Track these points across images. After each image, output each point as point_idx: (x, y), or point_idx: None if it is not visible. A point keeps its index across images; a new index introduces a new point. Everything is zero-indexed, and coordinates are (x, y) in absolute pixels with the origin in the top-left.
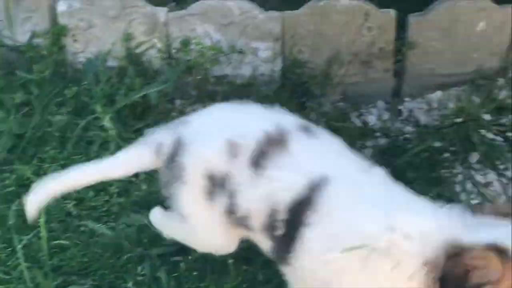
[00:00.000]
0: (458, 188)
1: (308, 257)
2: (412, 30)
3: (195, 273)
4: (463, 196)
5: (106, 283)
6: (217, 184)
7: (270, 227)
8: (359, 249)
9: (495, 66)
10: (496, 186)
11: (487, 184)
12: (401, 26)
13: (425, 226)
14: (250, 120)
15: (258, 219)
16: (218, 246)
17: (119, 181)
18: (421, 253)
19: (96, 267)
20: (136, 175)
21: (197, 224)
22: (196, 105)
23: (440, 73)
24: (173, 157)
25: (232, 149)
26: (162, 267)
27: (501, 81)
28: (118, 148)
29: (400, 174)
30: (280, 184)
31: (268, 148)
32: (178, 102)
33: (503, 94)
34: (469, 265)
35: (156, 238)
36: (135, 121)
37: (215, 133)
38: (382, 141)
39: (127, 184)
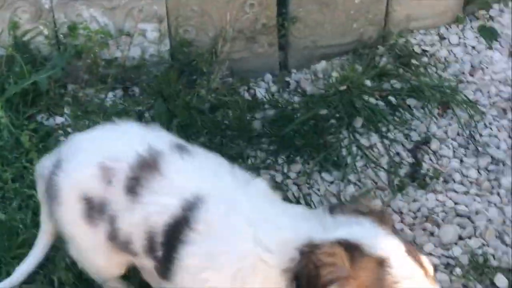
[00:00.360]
0: (344, 152)
1: (186, 275)
2: (293, 6)
3: None
4: (348, 160)
5: (2, 265)
6: (95, 208)
7: (150, 249)
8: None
9: (374, 35)
10: (380, 147)
11: (371, 147)
12: (282, 1)
13: (283, 235)
14: (124, 142)
15: (138, 243)
16: (103, 269)
17: (13, 167)
18: (280, 262)
19: None
20: (31, 160)
21: (81, 246)
22: (88, 89)
23: (323, 44)
24: (51, 177)
25: (106, 173)
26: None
27: (381, 49)
28: (11, 135)
29: (288, 142)
30: (154, 208)
31: (141, 173)
32: (70, 87)
33: (383, 61)
34: (319, 261)
35: None
36: (27, 108)
37: (89, 156)
38: (271, 112)
39: (21, 170)
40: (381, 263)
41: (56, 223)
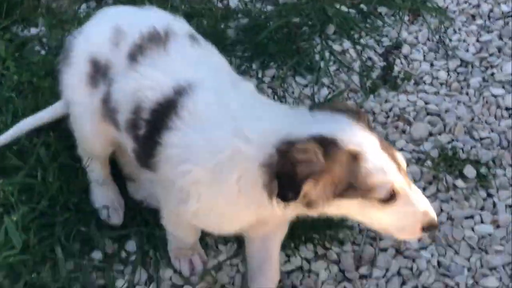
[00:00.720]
0: (317, 57)
1: (167, 165)
2: None
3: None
4: (322, 64)
5: None
6: (100, 71)
7: (133, 125)
8: (208, 160)
9: None
10: (352, 53)
11: (344, 52)
12: None
13: (263, 127)
14: (144, 15)
15: (124, 115)
16: (90, 139)
17: None
18: (259, 155)
19: None
20: (7, 68)
21: (75, 111)
22: (62, 0)
23: None
24: (69, 40)
25: (117, 35)
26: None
27: None
28: None
29: (262, 49)
30: (148, 82)
31: (148, 44)
32: None
33: None
34: (294, 159)
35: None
36: (1, 20)
37: (107, 20)
38: (244, 21)
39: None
40: (355, 157)
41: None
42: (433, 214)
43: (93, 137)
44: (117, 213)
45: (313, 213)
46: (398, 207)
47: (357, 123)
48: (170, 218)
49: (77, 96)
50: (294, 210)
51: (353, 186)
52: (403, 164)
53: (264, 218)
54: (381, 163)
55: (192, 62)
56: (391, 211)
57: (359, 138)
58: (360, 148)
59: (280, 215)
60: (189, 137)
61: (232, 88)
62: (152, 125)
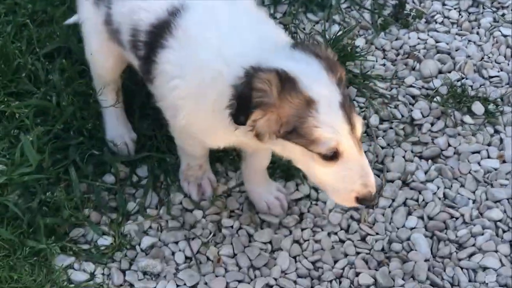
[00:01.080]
0: None
1: (160, 80)
2: None
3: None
4: (333, 1)
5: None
6: None
7: (134, 46)
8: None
9: None
10: None
11: None
12: None
13: (241, 51)
14: None
15: (125, 36)
16: (100, 59)
17: (5, 3)
18: (231, 78)
19: None
20: None
21: (85, 28)
22: None
23: None
24: None
25: None
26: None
27: None
28: None
29: None
30: (143, 4)
31: None
32: None
33: None
34: (253, 85)
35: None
36: None
37: None
38: None
39: (13, 6)
40: (309, 103)
41: None
42: (371, 189)
43: (102, 56)
44: (127, 147)
45: (262, 147)
46: (338, 168)
47: (329, 73)
48: (175, 131)
49: (85, 13)
50: (245, 136)
51: (298, 132)
52: (359, 129)
53: (242, 140)
54: (332, 120)
55: None
56: (330, 171)
57: (321, 88)
58: (316, 97)
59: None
60: (180, 54)
61: (226, 5)
62: (149, 46)
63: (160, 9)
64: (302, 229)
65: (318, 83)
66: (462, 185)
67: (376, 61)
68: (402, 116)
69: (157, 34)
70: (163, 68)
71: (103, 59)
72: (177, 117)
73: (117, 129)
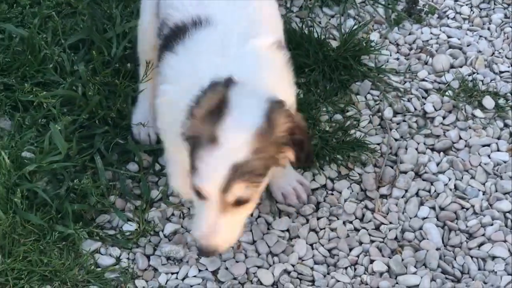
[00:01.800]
0: None
1: (159, 80)
2: None
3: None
4: None
5: (27, 78)
6: None
7: (158, 34)
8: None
9: None
10: None
11: None
12: None
13: (217, 71)
14: None
15: (158, 22)
16: (149, 30)
17: None
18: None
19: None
20: None
21: (143, 1)
22: None
23: None
24: None
25: None
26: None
27: None
28: None
29: None
30: (177, 2)
31: None
32: None
33: None
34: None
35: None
36: None
37: None
38: None
39: None
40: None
41: None
42: (203, 241)
43: (150, 29)
44: (148, 134)
45: None
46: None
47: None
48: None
49: None
50: None
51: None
52: (232, 194)
53: None
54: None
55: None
56: (198, 202)
57: (233, 137)
58: (221, 140)
59: None
60: (177, 62)
61: (238, 41)
62: (165, 41)
63: (188, 14)
64: (319, 218)
65: (234, 132)
66: (473, 177)
67: (390, 55)
68: (415, 109)
69: (175, 36)
70: (162, 70)
71: (150, 33)
72: (157, 120)
73: (145, 114)
